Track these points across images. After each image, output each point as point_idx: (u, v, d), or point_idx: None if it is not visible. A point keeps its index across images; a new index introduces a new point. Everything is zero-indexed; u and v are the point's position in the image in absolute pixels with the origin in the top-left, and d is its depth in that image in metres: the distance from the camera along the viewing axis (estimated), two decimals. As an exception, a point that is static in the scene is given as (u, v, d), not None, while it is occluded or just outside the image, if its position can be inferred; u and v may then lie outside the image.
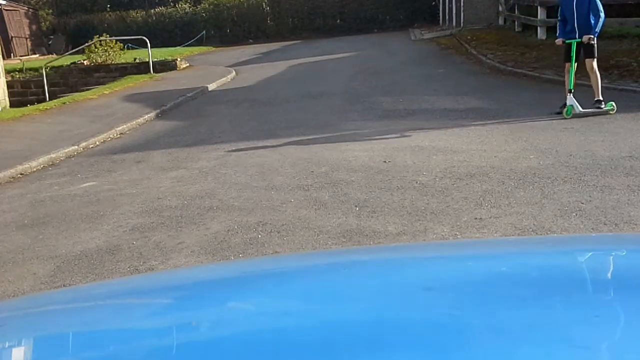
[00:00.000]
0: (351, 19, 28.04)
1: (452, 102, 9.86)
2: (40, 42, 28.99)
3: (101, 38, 18.41)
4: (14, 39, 26.70)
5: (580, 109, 7.89)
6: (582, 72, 8.22)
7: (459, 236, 4.29)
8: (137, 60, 17.98)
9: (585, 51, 8.04)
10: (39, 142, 9.05)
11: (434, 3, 25.92)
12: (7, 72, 16.56)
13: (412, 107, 9.69)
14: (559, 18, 8.53)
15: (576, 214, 4.51)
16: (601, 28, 8.03)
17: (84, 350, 0.88)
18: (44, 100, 15.54)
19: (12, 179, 7.34)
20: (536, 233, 4.25)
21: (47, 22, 31.51)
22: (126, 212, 5.48)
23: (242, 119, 9.93)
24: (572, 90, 7.95)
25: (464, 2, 20.16)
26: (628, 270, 1.09)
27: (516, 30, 16.44)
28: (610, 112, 7.98)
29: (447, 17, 23.18)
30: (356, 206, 5.07)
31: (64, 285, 4.00)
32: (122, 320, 1.00)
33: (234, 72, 16.22)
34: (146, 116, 10.82)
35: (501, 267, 1.14)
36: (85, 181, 6.87)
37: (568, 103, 7.94)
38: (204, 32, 27.95)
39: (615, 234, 3.50)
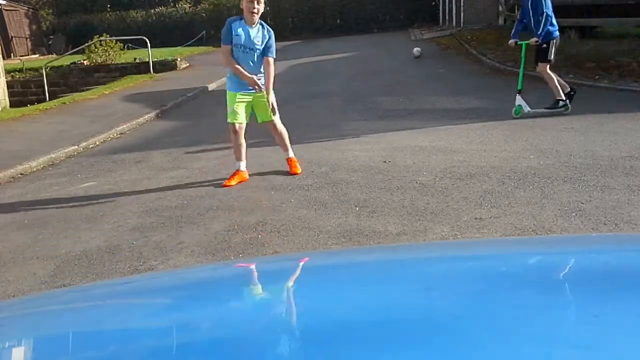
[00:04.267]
0: (351, 19, 28.06)
1: (452, 102, 9.86)
2: (40, 42, 29.00)
3: (101, 38, 18.41)
4: (14, 39, 26.72)
5: (529, 108, 8.03)
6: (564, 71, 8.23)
7: (459, 236, 4.29)
8: (137, 60, 17.98)
9: (536, 54, 8.06)
10: (39, 142, 9.05)
11: (434, 3, 25.93)
12: (7, 72, 16.56)
13: (412, 107, 9.69)
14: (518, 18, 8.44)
15: (576, 214, 4.51)
16: (545, 30, 7.79)
17: (84, 350, 0.88)
18: (44, 100, 15.56)
19: (12, 179, 7.34)
20: (536, 233, 4.25)
21: (47, 22, 31.56)
22: (126, 212, 5.48)
23: (242, 119, 9.91)
24: (521, 91, 8.10)
25: (464, 2, 20.16)
26: (628, 270, 1.09)
27: (516, 30, 16.41)
28: (565, 111, 8.01)
29: (447, 17, 23.19)
30: (356, 206, 5.07)
31: (64, 285, 4.00)
32: (122, 320, 1.00)
33: (234, 72, 16.19)
34: (146, 116, 10.82)
35: (501, 267, 1.13)
36: (85, 181, 6.87)
37: (517, 103, 8.07)
38: (204, 32, 27.95)
39: (615, 234, 3.50)
